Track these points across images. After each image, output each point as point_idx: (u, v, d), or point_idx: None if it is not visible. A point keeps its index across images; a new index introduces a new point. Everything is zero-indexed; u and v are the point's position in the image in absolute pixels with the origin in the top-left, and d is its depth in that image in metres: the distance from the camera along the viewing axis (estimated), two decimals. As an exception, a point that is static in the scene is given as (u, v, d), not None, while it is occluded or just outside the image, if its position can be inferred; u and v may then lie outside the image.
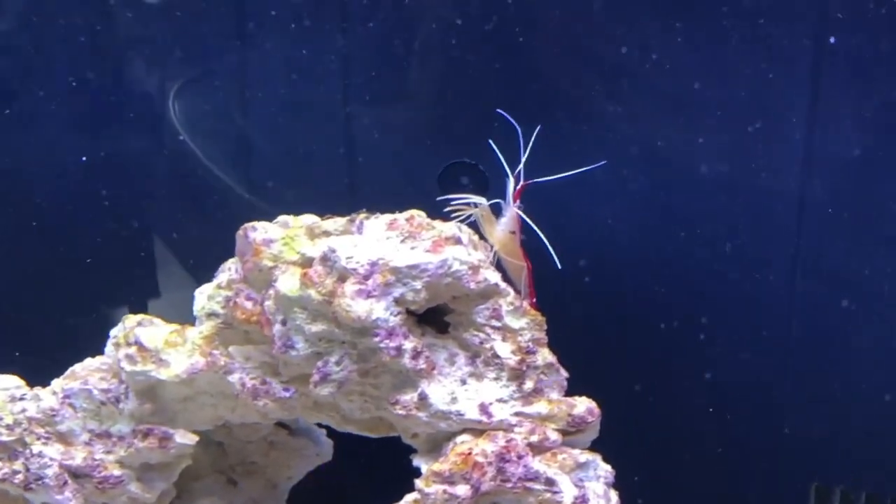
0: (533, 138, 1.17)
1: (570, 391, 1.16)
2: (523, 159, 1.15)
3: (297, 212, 1.20)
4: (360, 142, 1.45)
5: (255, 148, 1.50)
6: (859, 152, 1.33)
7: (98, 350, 1.23)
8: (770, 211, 1.34)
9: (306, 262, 1.13)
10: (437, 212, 1.17)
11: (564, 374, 1.15)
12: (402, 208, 1.15)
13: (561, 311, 1.20)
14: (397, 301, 1.10)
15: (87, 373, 1.22)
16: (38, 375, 1.25)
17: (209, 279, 1.22)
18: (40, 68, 1.47)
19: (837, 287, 1.35)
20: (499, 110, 1.19)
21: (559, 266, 1.12)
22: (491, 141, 1.17)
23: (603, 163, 1.20)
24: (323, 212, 1.20)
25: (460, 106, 1.42)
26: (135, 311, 1.46)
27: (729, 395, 1.40)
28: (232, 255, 1.21)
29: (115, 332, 1.21)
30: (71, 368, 1.23)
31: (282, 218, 1.19)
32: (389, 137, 1.44)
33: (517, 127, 1.15)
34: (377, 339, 1.09)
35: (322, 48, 1.42)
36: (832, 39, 1.30)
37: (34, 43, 1.46)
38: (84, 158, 1.47)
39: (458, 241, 1.12)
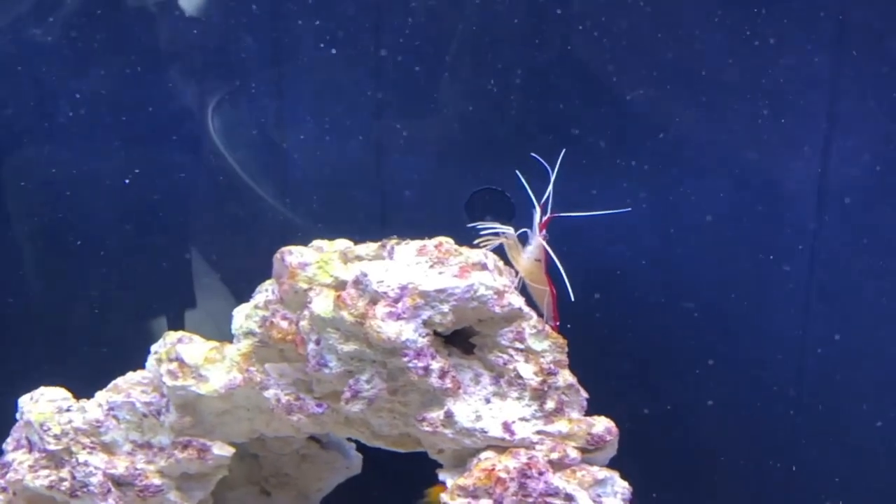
0: (558, 163, 1.22)
1: (590, 411, 1.21)
2: (549, 191, 1.20)
3: (330, 224, 1.24)
4: (393, 159, 1.49)
5: (291, 163, 1.54)
6: (874, 178, 1.38)
7: (139, 358, 1.29)
8: (783, 240, 1.39)
9: (339, 285, 1.19)
10: (466, 229, 1.22)
11: (584, 394, 1.20)
12: (431, 223, 1.20)
13: (583, 334, 1.25)
14: (425, 323, 1.15)
15: (130, 386, 1.28)
16: (83, 383, 1.31)
17: (244, 290, 1.27)
18: (80, 82, 1.51)
19: (846, 318, 1.39)
20: (532, 154, 1.23)
21: (572, 299, 1.17)
22: (518, 172, 1.22)
23: (628, 209, 1.25)
24: (354, 225, 1.24)
25: (491, 130, 1.46)
26: (172, 322, 1.55)
27: (739, 421, 1.45)
28: (266, 268, 1.26)
29: (157, 347, 1.27)
30: (114, 382, 1.29)
31: (316, 242, 1.25)
32: (422, 155, 1.48)
33: (548, 168, 1.20)
34: (406, 358, 1.14)
35: (356, 69, 1.47)
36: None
37: (74, 57, 1.50)
38: (126, 181, 1.52)
39: (484, 267, 1.17)
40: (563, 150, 1.24)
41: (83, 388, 1.30)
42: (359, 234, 1.25)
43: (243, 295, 1.28)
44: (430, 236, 1.20)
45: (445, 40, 1.44)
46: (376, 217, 1.50)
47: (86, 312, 1.59)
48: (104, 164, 1.53)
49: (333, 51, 1.45)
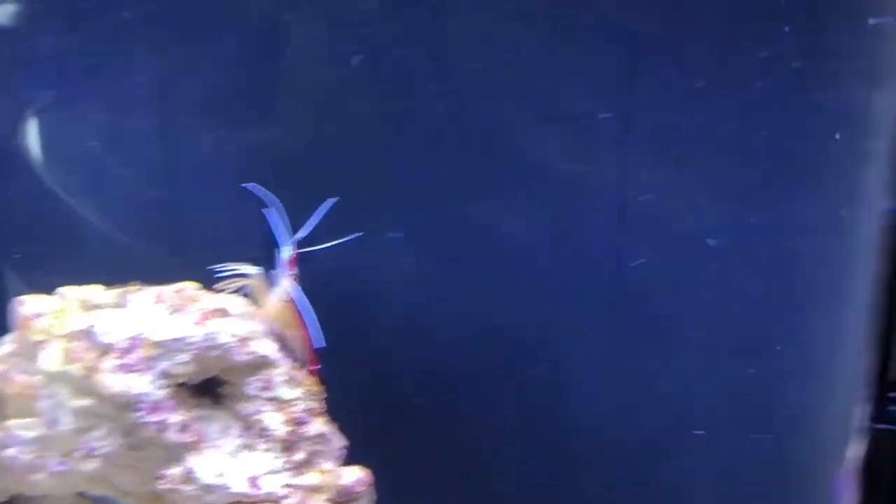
0: (325, 210, 1.17)
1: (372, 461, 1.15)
2: (290, 228, 1.15)
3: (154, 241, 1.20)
4: (190, 178, 1.42)
5: (109, 177, 1.47)
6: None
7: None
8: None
9: (75, 336, 1.13)
10: (253, 252, 1.17)
11: (339, 443, 1.15)
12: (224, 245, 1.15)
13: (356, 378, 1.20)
14: (164, 374, 1.09)
15: None
16: None
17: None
18: None
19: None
20: (244, 184, 1.17)
21: (323, 343, 1.12)
22: (264, 210, 1.17)
23: (360, 234, 1.20)
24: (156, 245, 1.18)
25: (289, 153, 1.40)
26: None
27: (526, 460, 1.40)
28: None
29: None
30: None
31: (62, 289, 1.19)
32: (219, 175, 1.42)
33: (275, 199, 1.15)
34: (139, 413, 1.08)
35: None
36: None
37: None
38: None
39: (225, 313, 1.12)
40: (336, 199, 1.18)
41: None
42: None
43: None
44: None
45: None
46: (176, 239, 1.42)
47: None
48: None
49: (154, 56, 1.38)
